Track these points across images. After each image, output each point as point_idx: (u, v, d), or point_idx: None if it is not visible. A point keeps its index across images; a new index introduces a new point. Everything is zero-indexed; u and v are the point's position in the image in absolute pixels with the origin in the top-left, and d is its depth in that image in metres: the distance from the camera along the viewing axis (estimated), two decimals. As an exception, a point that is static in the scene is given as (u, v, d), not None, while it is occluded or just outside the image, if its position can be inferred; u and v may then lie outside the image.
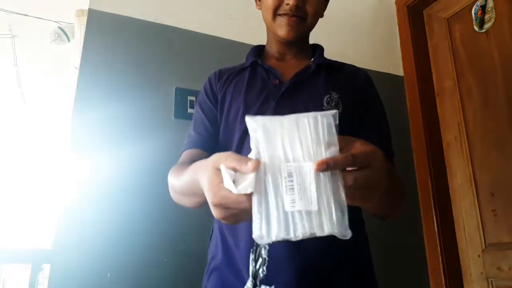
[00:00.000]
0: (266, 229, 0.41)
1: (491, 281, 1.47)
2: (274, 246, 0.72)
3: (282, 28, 0.87)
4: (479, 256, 1.52)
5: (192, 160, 0.81)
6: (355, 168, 0.46)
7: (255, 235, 0.41)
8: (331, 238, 0.72)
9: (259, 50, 1.00)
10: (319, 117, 0.45)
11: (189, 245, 1.28)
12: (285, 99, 0.84)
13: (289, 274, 0.71)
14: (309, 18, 0.88)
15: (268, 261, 0.72)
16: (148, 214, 1.26)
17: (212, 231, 0.88)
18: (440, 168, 1.69)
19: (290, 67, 0.90)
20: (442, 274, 1.56)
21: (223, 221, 0.52)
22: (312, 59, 0.92)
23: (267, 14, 0.90)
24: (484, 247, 1.51)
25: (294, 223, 0.41)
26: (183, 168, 0.77)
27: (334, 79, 0.88)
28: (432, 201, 1.64)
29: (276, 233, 0.41)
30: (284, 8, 0.85)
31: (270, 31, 0.95)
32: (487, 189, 1.52)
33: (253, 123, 0.45)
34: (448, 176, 1.69)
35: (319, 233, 0.42)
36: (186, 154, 0.91)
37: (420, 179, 1.71)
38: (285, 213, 0.42)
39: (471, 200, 1.57)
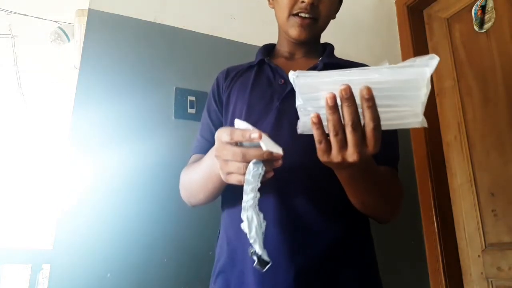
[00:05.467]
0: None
1: (491, 281, 1.47)
2: (273, 248, 0.72)
3: (294, 29, 0.87)
4: (479, 256, 1.52)
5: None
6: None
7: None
8: (333, 240, 0.73)
9: (269, 48, 0.99)
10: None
11: (190, 245, 1.28)
12: (290, 100, 0.82)
13: (290, 276, 0.71)
14: (321, 19, 0.88)
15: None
16: (148, 214, 1.26)
17: (219, 232, 0.87)
18: (440, 168, 1.69)
19: (298, 67, 0.88)
20: (442, 274, 1.56)
21: (222, 175, 0.64)
22: (320, 58, 0.91)
23: (281, 12, 0.89)
24: (484, 247, 1.51)
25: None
26: (195, 163, 0.83)
27: None
28: (432, 201, 1.64)
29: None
30: (299, 6, 0.85)
31: (281, 30, 0.94)
32: (487, 189, 1.52)
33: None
34: (448, 176, 1.69)
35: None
36: (194, 158, 0.94)
37: (420, 179, 1.71)
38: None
39: (471, 200, 1.57)
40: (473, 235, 1.55)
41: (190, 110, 1.41)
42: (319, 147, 0.55)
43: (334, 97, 0.51)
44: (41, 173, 4.81)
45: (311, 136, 0.78)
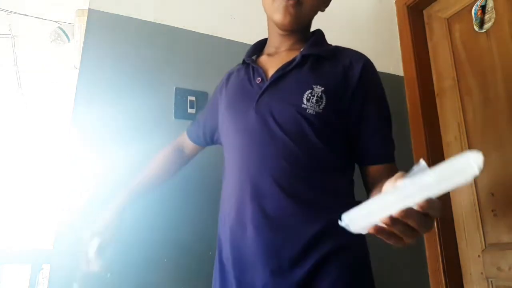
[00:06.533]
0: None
1: (491, 281, 1.47)
2: (250, 250, 0.75)
3: (279, 12, 0.85)
4: (479, 256, 1.52)
5: (169, 154, 1.14)
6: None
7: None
8: (309, 239, 0.74)
9: (259, 46, 1.00)
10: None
11: (190, 245, 1.28)
12: (265, 98, 0.83)
13: (265, 275, 0.72)
14: (305, 3, 0.85)
15: (245, 261, 0.75)
16: (148, 214, 1.26)
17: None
18: (440, 168, 1.69)
19: (278, 62, 0.88)
20: (442, 274, 1.55)
21: None
22: (301, 50, 0.88)
23: None
24: (484, 247, 1.51)
25: None
26: (141, 174, 1.11)
27: (321, 70, 0.84)
28: (432, 201, 1.64)
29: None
30: None
31: (269, 19, 0.93)
32: (487, 189, 1.52)
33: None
34: (448, 176, 1.69)
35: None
36: (180, 138, 1.18)
37: (420, 179, 1.71)
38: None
39: (471, 200, 1.57)
40: (473, 235, 1.55)
41: (190, 110, 1.41)
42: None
43: (391, 219, 0.48)
44: (41, 173, 4.81)
45: (290, 136, 0.79)
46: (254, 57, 0.95)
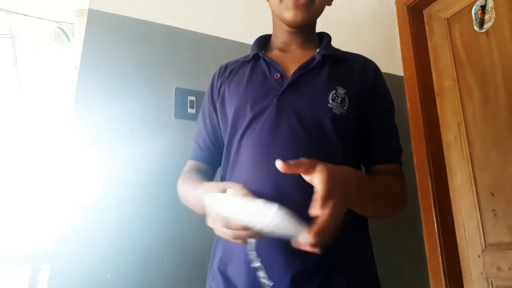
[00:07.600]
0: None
1: (491, 281, 1.47)
2: (269, 252, 0.72)
3: (289, 11, 0.83)
4: (479, 256, 1.52)
5: (196, 169, 0.90)
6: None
7: None
8: (330, 241, 0.73)
9: (264, 41, 0.97)
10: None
11: (190, 245, 1.28)
12: (288, 96, 0.81)
13: (285, 280, 0.70)
14: (316, 0, 0.85)
15: (264, 265, 0.71)
16: (148, 214, 1.26)
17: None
18: (440, 168, 1.69)
19: (294, 59, 0.87)
20: (442, 274, 1.55)
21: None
22: (318, 50, 0.87)
23: None
24: (484, 247, 1.51)
25: None
26: (190, 183, 0.85)
27: (340, 73, 0.85)
28: (432, 201, 1.64)
29: None
30: None
31: (276, 18, 0.92)
32: (487, 189, 1.52)
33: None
34: (448, 176, 1.69)
35: None
36: (189, 164, 0.95)
37: (420, 179, 1.71)
38: None
39: (471, 200, 1.57)
40: (473, 235, 1.55)
41: (190, 110, 1.41)
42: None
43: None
44: (41, 173, 4.81)
45: (311, 136, 0.78)
46: (263, 52, 0.92)
